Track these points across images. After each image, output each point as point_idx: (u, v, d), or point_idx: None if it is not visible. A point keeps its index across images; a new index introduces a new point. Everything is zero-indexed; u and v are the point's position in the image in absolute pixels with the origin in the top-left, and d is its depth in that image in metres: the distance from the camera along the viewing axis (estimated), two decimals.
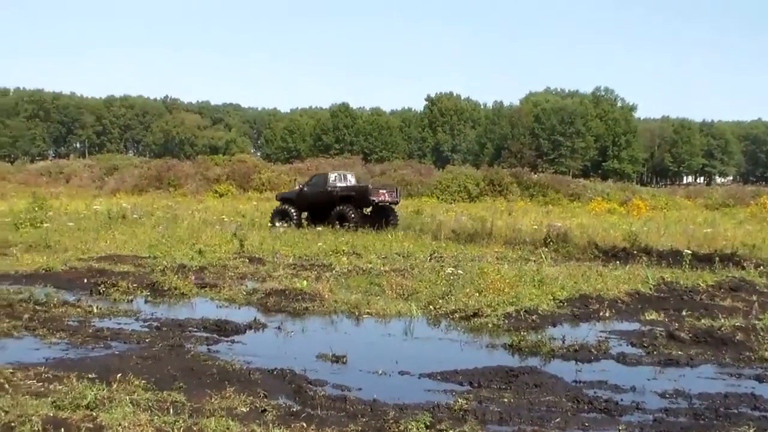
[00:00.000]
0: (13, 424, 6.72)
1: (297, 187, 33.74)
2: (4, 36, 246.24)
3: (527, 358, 10.73)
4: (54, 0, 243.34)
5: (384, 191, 32.28)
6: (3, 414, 6.95)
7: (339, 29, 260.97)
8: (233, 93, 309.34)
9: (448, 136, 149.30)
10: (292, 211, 32.26)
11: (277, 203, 34.52)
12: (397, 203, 33.08)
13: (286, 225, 31.04)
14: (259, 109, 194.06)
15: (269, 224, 31.52)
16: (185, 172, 65.27)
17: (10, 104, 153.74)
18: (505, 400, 8.45)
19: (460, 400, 8.22)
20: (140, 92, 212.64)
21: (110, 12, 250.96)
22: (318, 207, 32.06)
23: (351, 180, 33.72)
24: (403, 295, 15.14)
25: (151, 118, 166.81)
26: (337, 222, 30.25)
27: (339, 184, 32.41)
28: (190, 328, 12.00)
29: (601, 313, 13.70)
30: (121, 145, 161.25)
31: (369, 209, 32.12)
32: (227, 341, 11.32)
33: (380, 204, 31.73)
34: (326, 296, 14.57)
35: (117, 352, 10.12)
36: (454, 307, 13.68)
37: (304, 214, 32.42)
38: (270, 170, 67.32)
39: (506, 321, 12.74)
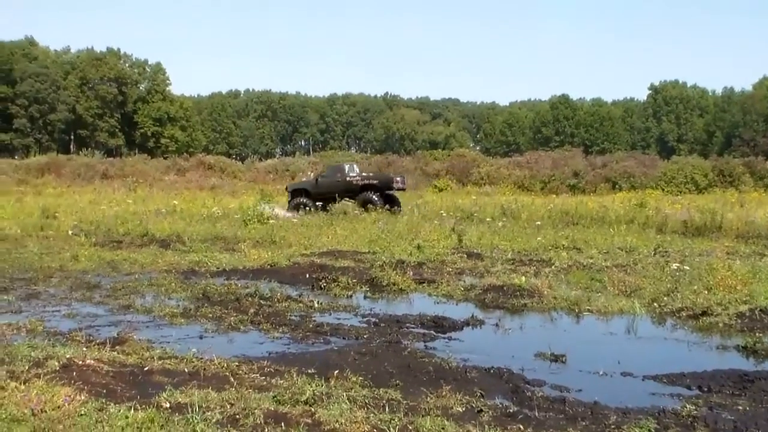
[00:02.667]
0: (237, 416, 6.95)
1: (305, 179, 38.03)
2: (236, 41, 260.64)
3: (764, 362, 9.92)
4: (281, 9, 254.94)
5: (398, 179, 36.12)
6: (229, 406, 7.20)
7: (558, 21, 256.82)
8: (452, 88, 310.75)
9: (674, 125, 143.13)
10: (306, 200, 35.83)
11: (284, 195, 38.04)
12: (403, 190, 37.18)
13: (300, 214, 33.57)
14: (478, 103, 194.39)
15: (286, 214, 33.54)
16: (405, 167, 66.09)
17: (240, 106, 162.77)
18: (740, 407, 7.77)
19: (688, 406, 7.68)
20: (361, 90, 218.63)
21: (329, 14, 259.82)
22: (332, 196, 35.13)
23: (357, 170, 37.47)
24: (626, 291, 14.47)
25: (372, 114, 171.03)
26: (362, 207, 33.53)
27: (352, 174, 36.29)
28: (407, 325, 11.99)
29: None
30: (343, 142, 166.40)
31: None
32: (444, 338, 11.21)
33: (392, 191, 35.77)
34: (545, 292, 14.18)
35: (336, 348, 10.27)
36: (680, 305, 12.93)
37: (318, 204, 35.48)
38: (489, 164, 67.20)
39: (739, 321, 11.86)
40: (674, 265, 16.41)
